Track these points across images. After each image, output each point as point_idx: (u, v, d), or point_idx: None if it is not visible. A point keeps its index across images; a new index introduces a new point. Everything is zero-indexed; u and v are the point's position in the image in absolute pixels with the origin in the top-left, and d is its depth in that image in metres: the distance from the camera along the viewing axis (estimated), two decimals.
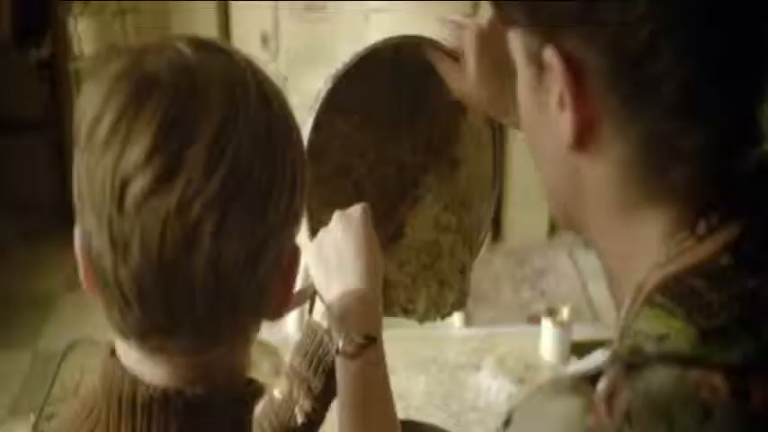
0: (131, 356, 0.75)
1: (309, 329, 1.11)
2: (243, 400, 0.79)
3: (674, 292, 0.66)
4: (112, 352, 0.77)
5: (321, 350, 1.09)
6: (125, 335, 0.73)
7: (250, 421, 0.81)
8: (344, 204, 1.13)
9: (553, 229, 3.69)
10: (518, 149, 3.23)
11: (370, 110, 1.18)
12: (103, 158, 0.68)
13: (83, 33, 3.13)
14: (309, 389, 1.09)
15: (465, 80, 1.05)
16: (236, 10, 3.34)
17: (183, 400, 0.74)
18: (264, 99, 0.73)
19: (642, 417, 0.61)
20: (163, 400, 0.74)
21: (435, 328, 1.34)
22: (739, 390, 0.60)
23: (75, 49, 3.15)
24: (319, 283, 1.06)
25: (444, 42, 1.07)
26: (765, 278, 0.64)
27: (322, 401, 1.09)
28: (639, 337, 0.65)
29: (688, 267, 0.66)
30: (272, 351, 1.68)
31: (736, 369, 0.61)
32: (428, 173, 1.19)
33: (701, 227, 0.67)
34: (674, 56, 0.63)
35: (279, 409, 1.10)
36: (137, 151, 0.67)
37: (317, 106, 1.05)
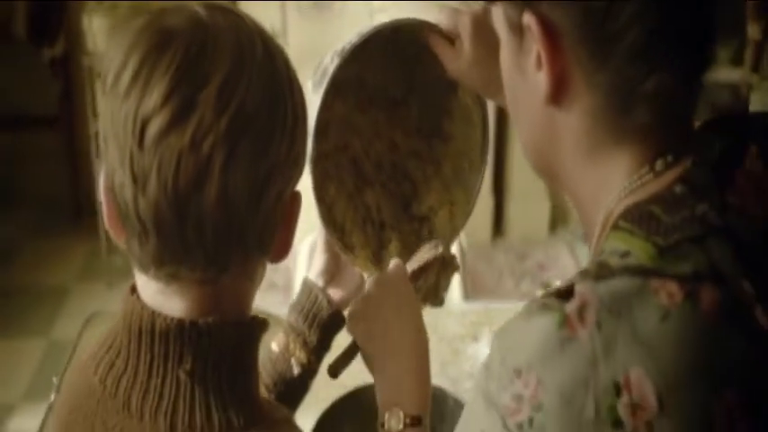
0: (149, 290, 0.83)
1: (305, 287, 1.18)
2: (249, 329, 0.87)
3: (635, 217, 0.75)
4: (132, 289, 0.85)
5: (316, 307, 1.16)
6: (143, 265, 0.81)
7: (257, 349, 0.89)
8: (344, 179, 1.19)
9: (554, 224, 3.74)
10: (519, 147, 3.27)
11: (365, 92, 1.23)
12: (126, 102, 0.76)
13: (96, 31, 3.20)
14: (305, 342, 1.16)
15: (460, 61, 1.11)
16: (243, 8, 3.40)
17: (197, 329, 0.82)
18: (269, 53, 0.82)
19: (609, 319, 0.70)
20: (178, 330, 0.82)
21: None
22: (691, 295, 0.70)
23: (89, 47, 3.22)
24: (368, 359, 1.06)
25: (441, 25, 1.14)
26: (711, 203, 0.74)
27: (316, 354, 1.16)
28: (605, 255, 0.74)
29: (647, 197, 0.76)
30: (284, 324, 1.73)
31: (688, 278, 0.71)
32: (420, 159, 1.26)
33: (659, 164, 0.77)
34: (633, 12, 0.73)
35: (276, 361, 1.17)
36: (155, 95, 0.75)
37: (325, 83, 1.09)
